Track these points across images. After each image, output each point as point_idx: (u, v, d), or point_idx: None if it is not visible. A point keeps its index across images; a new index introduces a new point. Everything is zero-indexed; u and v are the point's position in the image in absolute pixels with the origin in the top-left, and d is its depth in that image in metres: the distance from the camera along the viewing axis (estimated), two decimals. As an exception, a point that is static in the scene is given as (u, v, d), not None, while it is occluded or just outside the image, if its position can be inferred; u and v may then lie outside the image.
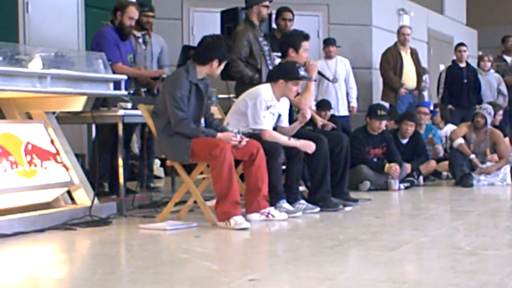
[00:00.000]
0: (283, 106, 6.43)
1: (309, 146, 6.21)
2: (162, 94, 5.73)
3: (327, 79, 9.01)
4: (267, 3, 7.69)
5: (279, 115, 6.39)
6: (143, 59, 7.95)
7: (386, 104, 10.74)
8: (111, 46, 7.06)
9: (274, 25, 8.93)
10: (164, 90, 5.70)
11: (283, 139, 6.19)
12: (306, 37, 6.77)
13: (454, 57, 11.83)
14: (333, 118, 9.50)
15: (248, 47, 7.48)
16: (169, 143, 5.66)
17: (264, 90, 6.25)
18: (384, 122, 8.65)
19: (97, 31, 7.31)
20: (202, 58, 5.71)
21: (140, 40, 8.03)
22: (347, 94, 10.50)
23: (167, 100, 5.61)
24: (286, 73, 6.24)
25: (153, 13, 8.15)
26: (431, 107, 10.34)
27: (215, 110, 7.50)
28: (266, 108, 6.17)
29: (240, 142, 5.64)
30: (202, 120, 5.84)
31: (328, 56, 10.50)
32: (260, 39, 7.63)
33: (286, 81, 6.21)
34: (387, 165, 8.43)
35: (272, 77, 6.33)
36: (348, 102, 10.46)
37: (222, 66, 5.79)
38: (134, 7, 7.29)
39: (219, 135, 5.64)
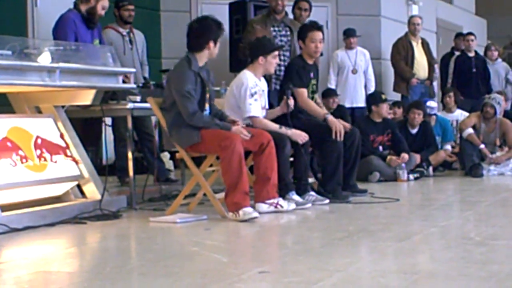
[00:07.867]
0: (264, 85, 6.43)
1: (300, 136, 6.16)
2: (168, 88, 5.73)
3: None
4: None
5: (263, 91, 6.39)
6: (131, 59, 7.82)
7: (398, 95, 10.75)
8: (69, 33, 6.80)
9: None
10: (170, 85, 5.68)
11: (274, 127, 6.14)
12: (316, 27, 6.75)
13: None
14: (341, 109, 9.50)
15: (253, 34, 7.59)
16: (179, 133, 5.66)
17: (246, 77, 6.18)
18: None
19: (60, 15, 7.05)
20: (197, 45, 5.70)
21: (127, 39, 7.91)
22: (365, 86, 10.49)
23: (176, 96, 5.60)
24: (263, 48, 6.24)
25: (132, 5, 7.94)
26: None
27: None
28: (250, 96, 6.14)
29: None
30: (207, 107, 5.82)
31: (348, 47, 10.50)
32: (275, 29, 7.66)
33: (265, 57, 6.22)
34: (394, 157, 8.38)
35: (251, 58, 6.30)
36: (366, 93, 10.40)
37: (218, 44, 5.78)
38: None
39: (233, 129, 5.63)
